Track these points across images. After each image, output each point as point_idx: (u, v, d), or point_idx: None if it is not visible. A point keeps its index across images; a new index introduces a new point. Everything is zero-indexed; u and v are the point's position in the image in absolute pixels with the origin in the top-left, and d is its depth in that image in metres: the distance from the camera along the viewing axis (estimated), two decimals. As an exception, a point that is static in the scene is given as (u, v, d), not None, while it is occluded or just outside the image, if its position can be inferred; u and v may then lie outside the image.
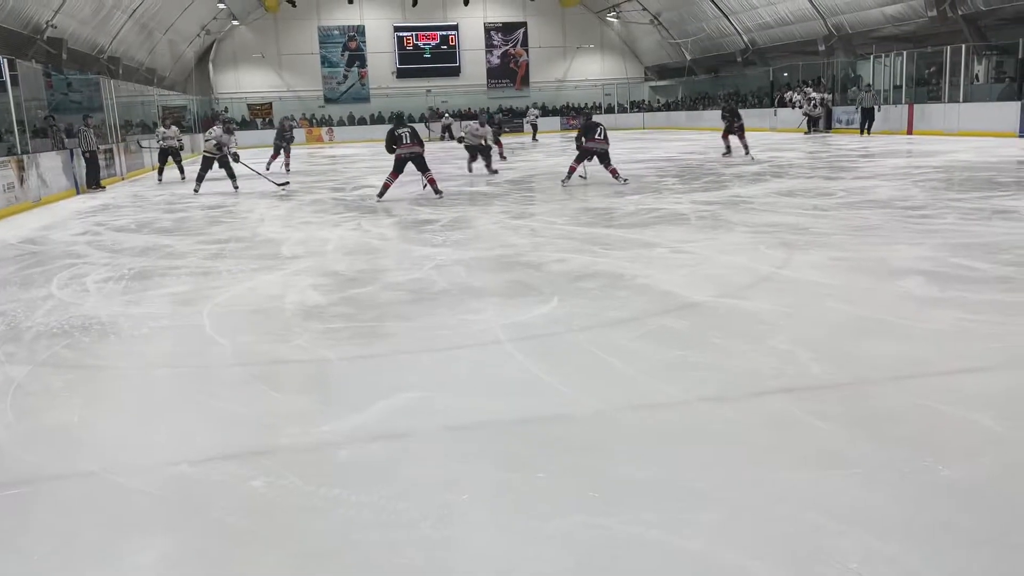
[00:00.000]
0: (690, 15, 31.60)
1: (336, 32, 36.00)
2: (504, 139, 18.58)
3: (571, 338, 4.09)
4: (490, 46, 37.51)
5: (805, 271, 5.32)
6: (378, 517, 2.35)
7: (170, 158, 16.21)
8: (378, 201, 10.38)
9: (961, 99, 19.37)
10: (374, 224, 8.58)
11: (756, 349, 3.74)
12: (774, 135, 23.80)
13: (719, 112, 16.97)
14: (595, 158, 11.46)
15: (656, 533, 2.19)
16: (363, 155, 22.44)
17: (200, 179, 12.96)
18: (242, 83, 35.48)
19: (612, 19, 36.21)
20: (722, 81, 32.81)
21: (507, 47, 37.66)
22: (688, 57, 34.30)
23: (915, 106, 20.52)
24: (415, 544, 2.20)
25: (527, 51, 37.81)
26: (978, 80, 20.19)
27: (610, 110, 37.29)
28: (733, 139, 15.95)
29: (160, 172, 16.18)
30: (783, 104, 26.32)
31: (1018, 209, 7.32)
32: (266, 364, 3.90)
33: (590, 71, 38.55)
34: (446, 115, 32.63)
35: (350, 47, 36.17)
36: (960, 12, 19.95)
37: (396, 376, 3.62)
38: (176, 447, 2.93)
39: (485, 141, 14.12)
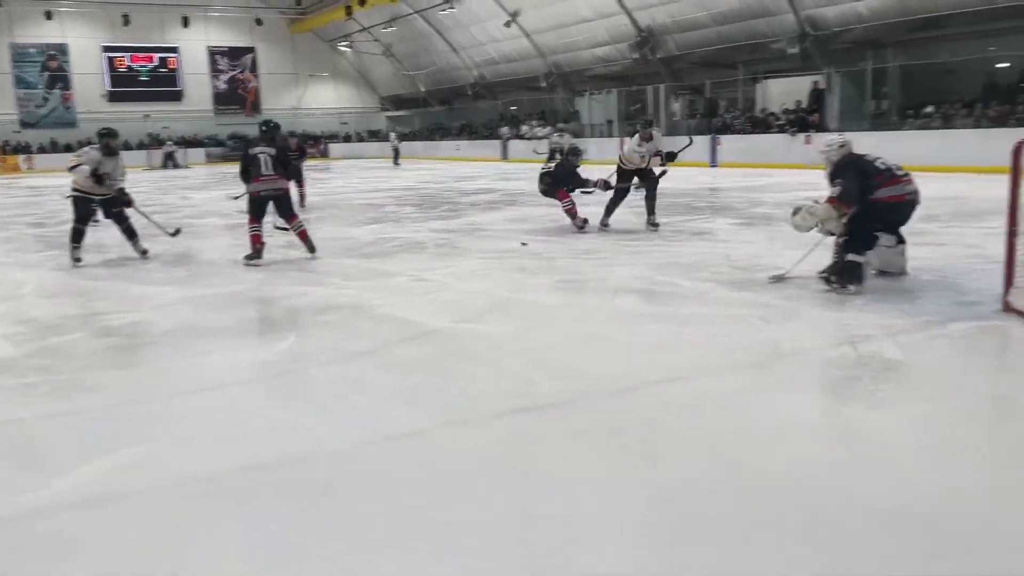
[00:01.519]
0: (421, 48, 32.42)
1: (33, 50, 32.15)
2: (227, 167, 16.11)
3: (310, 374, 3.95)
4: (216, 71, 35.69)
5: (537, 294, 5.61)
6: (86, 598, 2.06)
7: None
8: (248, 264, 7.02)
9: (663, 133, 21.71)
10: (83, 262, 7.69)
11: (493, 372, 3.86)
12: (506, 165, 25.06)
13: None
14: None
15: (406, 570, 2.15)
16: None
17: (80, 238, 7.56)
18: (-88, 103, 30.46)
19: (344, 48, 36.13)
20: (456, 113, 34.01)
21: (235, 72, 36.06)
22: (422, 89, 35.14)
23: (625, 139, 22.67)
24: (132, 622, 1.96)
25: (257, 77, 36.49)
26: (676, 116, 22.80)
27: (347, 139, 37.12)
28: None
29: None
30: (518, 137, 27.75)
31: (711, 231, 8.30)
32: (-58, 432, 3.31)
33: (324, 99, 38.10)
34: (168, 142, 30.47)
35: (50, 67, 32.49)
36: (658, 55, 22.45)
37: (109, 432, 3.24)
38: None
39: (648, 163, 8.55)
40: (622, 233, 8.31)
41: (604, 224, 8.55)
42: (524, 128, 27.95)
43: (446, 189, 15.94)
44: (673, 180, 15.25)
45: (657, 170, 8.54)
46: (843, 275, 5.08)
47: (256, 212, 7.20)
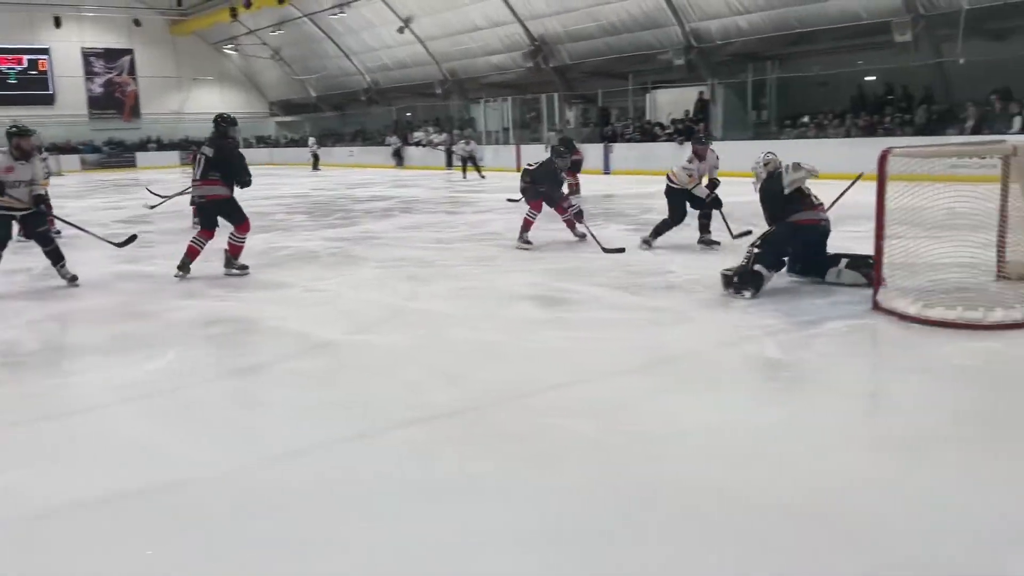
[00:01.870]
0: (311, 52, 31.73)
1: None
2: (104, 175, 15.10)
3: (193, 393, 3.75)
4: (91, 73, 33.83)
5: (432, 302, 5.56)
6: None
7: None
8: (175, 274, 6.56)
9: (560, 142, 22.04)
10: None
11: (389, 383, 3.79)
12: (401, 172, 24.84)
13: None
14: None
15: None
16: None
17: None
18: None
19: (230, 51, 34.96)
20: (349, 119, 33.46)
21: (112, 75, 34.31)
22: (313, 94, 34.39)
23: (522, 147, 22.86)
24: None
25: (135, 80, 34.83)
26: (570, 124, 23.17)
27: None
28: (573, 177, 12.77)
29: None
30: (413, 144, 27.54)
31: (606, 237, 8.43)
32: None
33: (210, 103, 36.59)
34: (39, 149, 28.66)
35: (-93, 68, 30.09)
36: (551, 65, 22.78)
37: (-34, 462, 2.98)
38: None
39: (699, 183, 7.35)
40: (517, 240, 8.33)
41: (646, 241, 7.58)
42: (418, 135, 27.78)
43: (339, 196, 15.64)
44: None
45: (703, 192, 7.25)
46: (744, 280, 5.26)
47: (200, 219, 6.71)
